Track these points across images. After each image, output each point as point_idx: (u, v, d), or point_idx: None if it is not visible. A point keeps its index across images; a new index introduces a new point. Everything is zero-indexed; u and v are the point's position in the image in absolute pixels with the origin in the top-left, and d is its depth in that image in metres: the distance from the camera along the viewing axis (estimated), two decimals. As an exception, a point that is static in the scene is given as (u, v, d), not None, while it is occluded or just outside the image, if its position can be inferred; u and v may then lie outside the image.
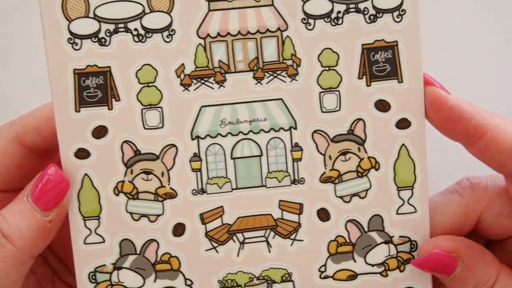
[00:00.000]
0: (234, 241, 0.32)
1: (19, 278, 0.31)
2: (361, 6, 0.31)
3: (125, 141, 0.31)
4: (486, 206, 0.32)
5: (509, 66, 0.45)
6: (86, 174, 0.31)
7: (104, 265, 0.32)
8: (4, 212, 0.30)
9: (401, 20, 0.31)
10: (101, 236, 0.31)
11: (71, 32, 0.30)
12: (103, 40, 0.30)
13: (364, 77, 0.31)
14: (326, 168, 0.32)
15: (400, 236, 0.32)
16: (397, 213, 0.32)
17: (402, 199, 0.32)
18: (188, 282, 0.32)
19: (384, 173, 0.32)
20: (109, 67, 0.31)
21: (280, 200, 0.32)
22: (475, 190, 0.32)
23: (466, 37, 0.45)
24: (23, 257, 0.30)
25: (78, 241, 0.31)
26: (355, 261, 0.32)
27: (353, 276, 0.32)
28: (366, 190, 0.32)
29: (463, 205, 0.32)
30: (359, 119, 0.31)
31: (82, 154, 0.31)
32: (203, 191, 0.31)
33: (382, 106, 0.31)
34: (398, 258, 0.32)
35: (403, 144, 0.32)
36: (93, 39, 0.30)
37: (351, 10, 0.31)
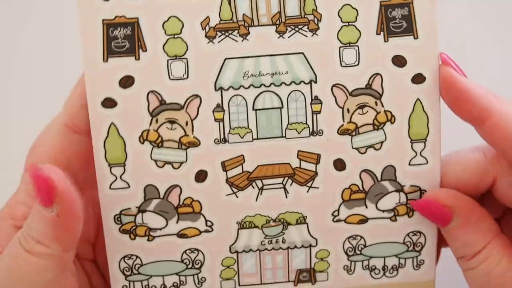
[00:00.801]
0: (253, 187, 0.35)
1: (59, 271, 0.32)
2: (380, -36, 0.32)
3: (151, 91, 0.33)
4: (501, 171, 0.34)
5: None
6: (112, 123, 0.33)
7: (129, 208, 0.35)
8: (28, 220, 0.32)
9: None
10: (126, 182, 0.34)
11: (99, -16, 0.31)
12: (130, -9, 0.32)
13: (382, 33, 0.33)
14: (344, 121, 0.34)
15: (411, 186, 0.35)
16: (409, 164, 0.35)
17: (415, 151, 0.35)
18: (209, 224, 0.35)
19: (399, 126, 0.34)
20: (137, 18, 0.32)
21: (298, 150, 0.34)
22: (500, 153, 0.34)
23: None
24: (55, 253, 0.32)
25: (104, 186, 0.34)
26: (366, 207, 0.35)
27: (364, 220, 0.36)
28: (381, 142, 0.35)
29: (483, 164, 0.34)
30: (377, 74, 0.34)
31: (109, 103, 0.33)
32: (225, 140, 0.34)
33: (399, 61, 0.34)
34: (408, 205, 0.35)
35: (418, 99, 0.34)
36: None
37: (370, -33, 0.32)
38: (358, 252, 0.36)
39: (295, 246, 0.36)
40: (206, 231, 0.35)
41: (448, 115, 0.34)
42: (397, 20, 0.33)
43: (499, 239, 0.34)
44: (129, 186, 0.34)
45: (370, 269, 0.37)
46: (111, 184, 0.34)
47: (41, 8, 0.48)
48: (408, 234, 0.36)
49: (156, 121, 0.33)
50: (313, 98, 0.34)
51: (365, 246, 0.36)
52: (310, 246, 0.36)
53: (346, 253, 0.36)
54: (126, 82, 0.33)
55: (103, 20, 0.32)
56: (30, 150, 0.35)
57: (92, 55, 0.32)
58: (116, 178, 0.34)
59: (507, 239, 0.34)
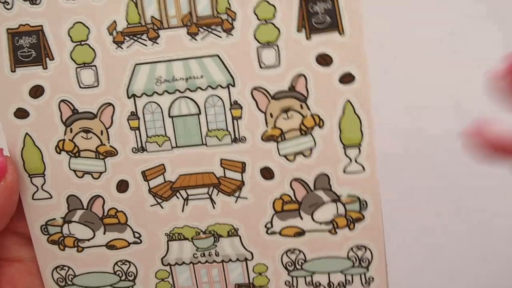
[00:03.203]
0: (178, 198, 0.36)
1: None
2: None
3: (62, 100, 0.35)
4: None
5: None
6: (27, 133, 0.36)
7: (54, 219, 0.37)
8: None
9: None
10: (47, 192, 0.37)
11: (0, -9, 0.34)
12: (32, -2, 0.34)
13: (304, 30, 0.34)
14: (267, 126, 0.35)
15: (348, 195, 0.36)
16: (344, 172, 0.35)
17: (349, 158, 0.35)
18: (137, 235, 0.37)
19: (329, 131, 0.35)
20: (41, 26, 0.34)
21: (221, 159, 0.36)
22: None
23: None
24: None
25: (27, 197, 0.37)
26: (302, 219, 0.36)
27: (300, 233, 0.36)
28: (311, 149, 0.35)
29: None
30: (300, 75, 0.34)
31: (21, 114, 0.36)
32: (143, 149, 0.36)
33: (324, 60, 0.34)
34: (347, 217, 0.36)
35: (347, 100, 0.34)
36: None
37: (285, -40, 0.33)
38: (298, 267, 0.37)
39: (230, 260, 0.38)
40: (135, 242, 0.37)
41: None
42: (319, 15, 0.34)
43: None
44: (51, 197, 0.37)
45: (315, 285, 0.38)
46: (33, 195, 0.37)
47: None
48: (351, 249, 0.37)
49: (71, 130, 0.36)
50: (232, 103, 0.35)
51: (305, 260, 0.37)
52: (246, 259, 0.37)
53: (285, 267, 0.37)
54: (36, 91, 0.35)
55: (7, 29, 0.34)
56: None
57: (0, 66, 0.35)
58: (38, 188, 0.37)
59: None
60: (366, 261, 0.37)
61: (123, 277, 0.38)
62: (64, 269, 0.39)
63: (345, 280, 0.37)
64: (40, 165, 0.37)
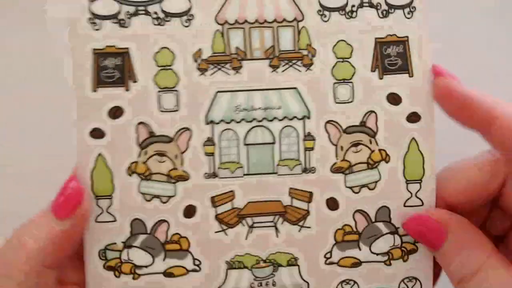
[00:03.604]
0: (243, 225, 0.38)
1: (34, 285, 0.36)
2: (374, 1, 0.37)
3: (140, 123, 0.37)
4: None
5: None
6: (100, 154, 0.37)
7: (115, 243, 0.38)
8: (28, 222, 0.36)
9: (411, 16, 0.36)
10: (112, 215, 0.37)
11: (92, 13, 0.35)
12: (122, 21, 0.36)
13: (377, 70, 0.37)
14: (337, 159, 0.38)
15: (406, 228, 0.38)
16: (404, 205, 0.38)
17: (410, 192, 0.38)
18: (197, 262, 0.38)
19: (394, 166, 0.38)
20: (128, 48, 0.36)
21: (290, 188, 0.38)
22: (508, 155, 0.38)
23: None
24: (36, 265, 0.36)
25: (90, 219, 0.37)
26: (360, 249, 0.38)
27: (357, 264, 0.39)
28: (376, 182, 0.38)
29: (492, 163, 0.38)
30: (371, 111, 0.37)
31: (97, 134, 0.37)
32: (215, 175, 0.37)
33: (394, 99, 0.37)
34: (402, 249, 0.38)
35: (413, 138, 0.37)
36: (113, 20, 0.36)
37: (365, 4, 0.37)
38: None
39: (286, 289, 0.39)
40: (194, 270, 0.38)
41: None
42: (392, 57, 0.37)
43: (496, 254, 0.37)
44: (115, 220, 0.37)
45: None
46: (97, 217, 0.37)
47: (28, 27, 0.52)
48: (403, 280, 0.39)
49: (145, 153, 0.37)
50: (306, 134, 0.37)
51: None
52: None
53: None
54: (115, 112, 0.37)
55: (93, 50, 0.36)
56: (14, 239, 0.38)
57: (81, 84, 0.36)
58: (103, 211, 0.37)
59: (502, 255, 0.37)
60: None
61: (176, 307, 0.39)
62: None
63: (395, 312, 0.40)
64: (109, 187, 0.37)
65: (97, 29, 0.36)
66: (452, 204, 0.38)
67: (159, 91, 0.37)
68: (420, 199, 0.38)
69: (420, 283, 0.40)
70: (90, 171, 0.37)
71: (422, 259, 0.39)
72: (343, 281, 0.39)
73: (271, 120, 0.38)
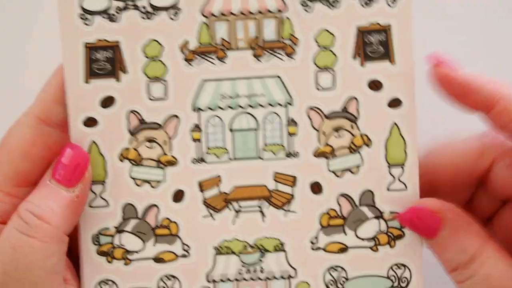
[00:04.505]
0: (230, 209, 0.40)
1: (62, 255, 0.39)
2: (357, -10, 0.39)
3: (131, 111, 0.40)
4: (500, 154, 0.40)
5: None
6: (93, 142, 0.40)
7: (108, 228, 0.41)
8: (31, 198, 0.39)
9: (394, 4, 0.39)
10: (105, 200, 0.40)
11: (83, 8, 0.39)
12: (113, 16, 0.39)
13: (359, 57, 0.39)
14: (320, 143, 0.40)
15: (390, 212, 0.40)
16: (387, 190, 0.40)
17: (393, 176, 0.40)
18: (185, 248, 0.41)
19: (376, 150, 0.40)
20: (118, 41, 0.39)
21: (275, 172, 0.40)
22: (494, 139, 0.41)
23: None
24: (60, 234, 0.39)
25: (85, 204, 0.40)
26: (346, 234, 0.40)
27: (344, 249, 0.41)
28: (358, 166, 0.40)
29: (479, 146, 0.40)
30: (353, 98, 0.39)
31: (90, 122, 0.40)
32: (202, 160, 0.40)
33: (375, 85, 0.40)
34: (389, 234, 0.40)
35: (394, 123, 0.39)
36: (103, 15, 0.39)
37: (347, -7, 0.39)
38: (340, 286, 0.41)
39: (274, 277, 0.41)
40: (183, 255, 0.41)
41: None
42: (374, 45, 0.39)
43: (491, 241, 0.39)
44: (108, 205, 0.40)
45: None
46: (91, 202, 0.40)
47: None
48: (391, 267, 0.41)
49: (136, 139, 0.40)
50: (289, 120, 0.40)
51: (347, 279, 0.41)
52: (290, 277, 0.41)
53: (327, 286, 0.41)
54: (107, 102, 0.40)
55: (85, 44, 0.39)
56: (1, 142, 0.42)
57: (74, 76, 0.40)
58: (96, 196, 0.40)
59: (496, 241, 0.39)
60: (405, 281, 0.41)
61: (166, 294, 0.41)
62: (108, 284, 0.41)
63: (384, 300, 0.41)
64: (102, 172, 0.40)
65: (88, 24, 0.40)
66: (436, 185, 0.40)
67: (149, 81, 0.40)
68: (403, 183, 0.40)
69: (410, 270, 0.41)
70: (84, 158, 0.41)
71: (410, 245, 0.41)
72: (331, 267, 0.41)
73: (255, 107, 0.40)
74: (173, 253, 0.41)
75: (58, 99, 0.40)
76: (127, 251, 0.41)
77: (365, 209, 0.41)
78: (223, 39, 0.40)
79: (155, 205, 0.41)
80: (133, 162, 0.41)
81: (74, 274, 0.42)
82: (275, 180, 0.41)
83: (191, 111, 0.40)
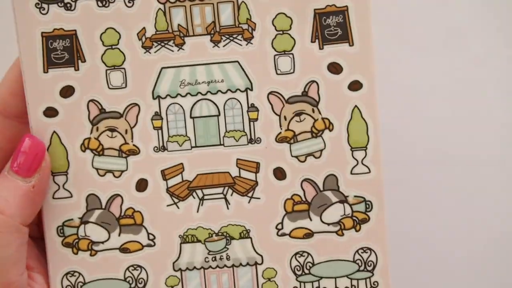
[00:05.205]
0: (194, 197, 0.41)
1: (19, 246, 0.40)
2: (311, -28, 0.39)
3: (91, 100, 0.40)
4: None
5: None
6: (54, 132, 0.41)
7: (72, 219, 0.41)
8: None
9: None
10: (68, 191, 0.41)
11: (39, -2, 0.39)
12: (68, 5, 0.40)
13: (317, 40, 0.40)
14: (281, 128, 0.40)
15: (355, 196, 0.41)
16: (351, 173, 0.40)
17: (356, 160, 0.40)
18: (151, 237, 0.41)
19: (338, 134, 0.40)
20: (75, 30, 0.40)
21: (237, 159, 0.41)
22: None
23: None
24: (16, 224, 0.40)
25: (48, 196, 0.40)
26: (311, 220, 0.41)
27: (309, 235, 0.41)
28: (321, 150, 0.40)
29: None
30: (313, 81, 0.40)
31: (50, 113, 0.40)
32: (164, 148, 0.40)
33: (335, 68, 0.40)
34: (354, 218, 0.41)
35: (355, 106, 0.40)
36: (59, 4, 0.40)
37: (303, -25, 0.39)
38: (306, 271, 0.41)
39: (240, 264, 0.42)
40: (149, 245, 0.41)
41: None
42: (332, 27, 0.40)
43: None
44: (71, 196, 0.41)
45: None
46: (54, 194, 0.41)
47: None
48: (357, 251, 0.41)
49: (97, 129, 0.41)
50: (249, 105, 0.40)
51: (313, 264, 0.41)
52: (256, 264, 0.41)
53: (294, 272, 0.41)
54: (67, 92, 0.40)
55: (42, 33, 0.40)
56: None
57: (32, 66, 0.40)
58: (59, 187, 0.41)
59: None
60: (371, 265, 0.41)
61: (133, 284, 0.42)
62: (75, 276, 0.42)
63: (351, 285, 0.42)
64: (64, 163, 0.41)
65: (44, 13, 0.40)
66: None
67: (107, 69, 0.41)
68: (366, 166, 0.41)
69: (375, 254, 0.42)
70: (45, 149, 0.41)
71: (376, 229, 0.42)
72: (297, 253, 0.42)
73: (215, 93, 0.41)
74: (139, 242, 0.42)
75: (15, 92, 0.41)
76: (92, 242, 0.42)
77: (329, 194, 0.41)
78: (180, 25, 0.41)
79: (119, 195, 0.42)
80: (95, 152, 0.41)
81: (41, 261, 0.43)
82: (238, 167, 0.41)
83: (151, 99, 0.41)
